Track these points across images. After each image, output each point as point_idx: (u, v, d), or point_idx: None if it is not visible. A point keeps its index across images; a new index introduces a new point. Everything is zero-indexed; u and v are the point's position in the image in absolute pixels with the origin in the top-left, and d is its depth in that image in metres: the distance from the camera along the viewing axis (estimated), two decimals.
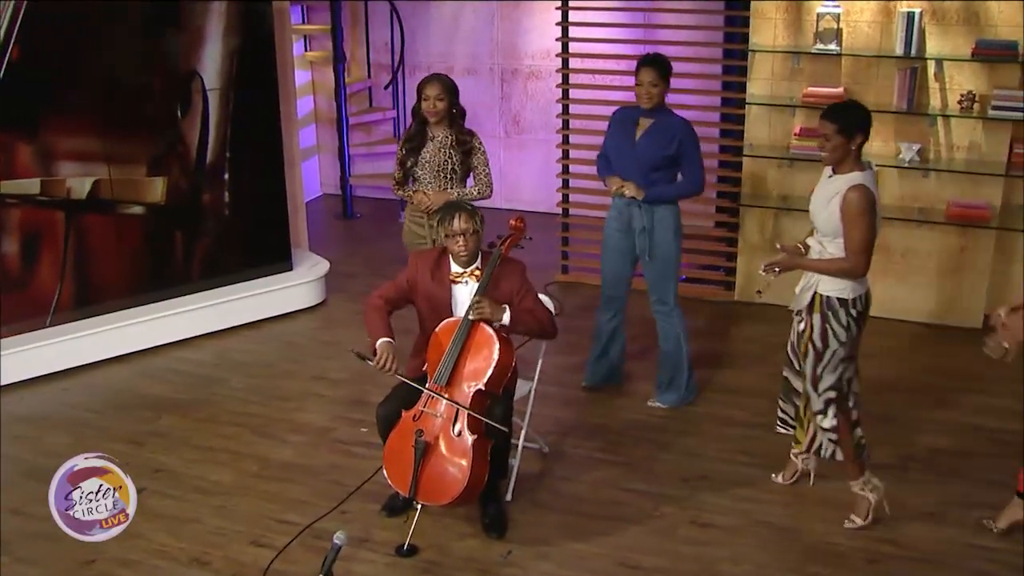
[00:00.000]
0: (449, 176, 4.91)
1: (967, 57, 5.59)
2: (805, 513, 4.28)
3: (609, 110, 6.76)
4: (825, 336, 3.98)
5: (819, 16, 5.77)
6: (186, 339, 6.00)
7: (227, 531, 4.23)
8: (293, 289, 6.38)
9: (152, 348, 5.90)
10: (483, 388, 4.04)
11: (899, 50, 5.66)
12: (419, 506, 4.03)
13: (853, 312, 3.97)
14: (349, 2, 8.19)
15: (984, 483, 4.44)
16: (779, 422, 4.46)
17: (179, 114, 5.85)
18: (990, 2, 5.53)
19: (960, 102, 5.66)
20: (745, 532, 4.17)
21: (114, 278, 5.83)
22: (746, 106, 6.10)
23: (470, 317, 4.02)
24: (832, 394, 4.05)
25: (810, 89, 5.90)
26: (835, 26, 5.76)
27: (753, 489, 4.45)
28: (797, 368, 4.21)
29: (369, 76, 8.45)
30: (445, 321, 4.14)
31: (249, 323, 6.23)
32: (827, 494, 4.38)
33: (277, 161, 6.28)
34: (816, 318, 3.99)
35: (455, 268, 4.19)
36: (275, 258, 6.39)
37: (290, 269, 6.44)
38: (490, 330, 4.07)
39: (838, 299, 3.95)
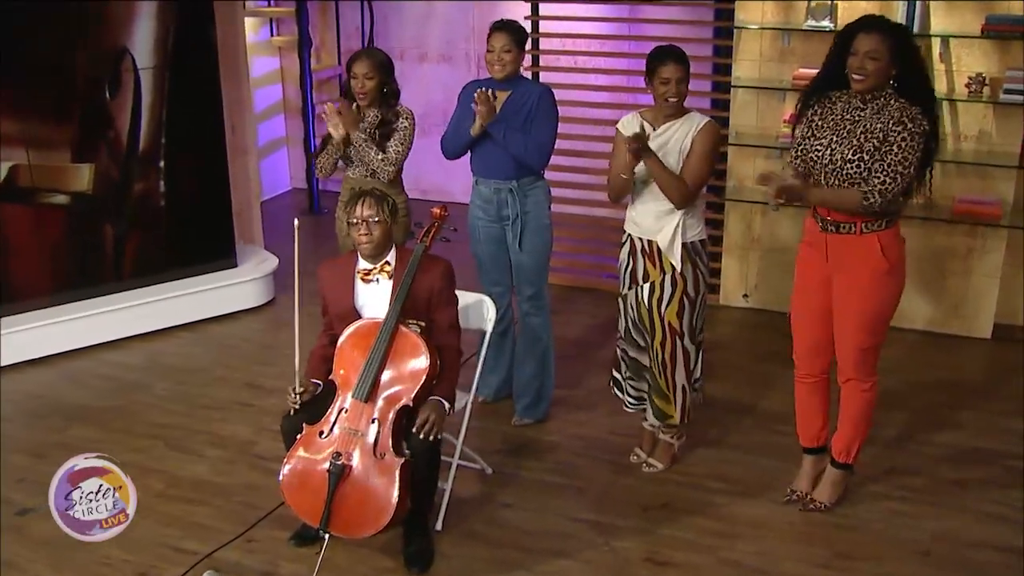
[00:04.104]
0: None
1: (976, 34, 5.02)
2: (777, 551, 3.71)
3: (590, 95, 6.30)
4: (697, 283, 3.99)
5: None
6: (116, 340, 5.52)
7: (114, 561, 3.71)
8: (236, 287, 5.87)
9: (77, 350, 5.41)
10: (410, 404, 3.51)
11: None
12: (327, 536, 3.49)
13: (706, 250, 4.05)
14: None
15: (983, 516, 3.90)
16: (633, 401, 4.25)
17: (108, 95, 5.34)
18: None
19: (968, 85, 5.09)
20: (707, 572, 3.60)
21: (35, 273, 5.33)
22: (731, 90, 5.54)
23: (418, 441, 3.45)
24: (702, 336, 4.09)
25: (801, 71, 5.32)
26: (829, 1, 5.20)
27: (721, 521, 3.89)
28: (642, 344, 4.08)
29: (339, 63, 7.93)
30: (359, 323, 3.60)
31: (187, 324, 5.74)
32: (802, 530, 3.83)
33: (219, 149, 5.77)
34: (688, 269, 3.95)
35: (363, 264, 3.66)
36: (217, 254, 5.88)
37: (234, 266, 5.93)
38: (416, 335, 3.54)
39: (700, 241, 3.98)
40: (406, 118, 4.38)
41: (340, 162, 4.48)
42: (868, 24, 3.48)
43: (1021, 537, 3.75)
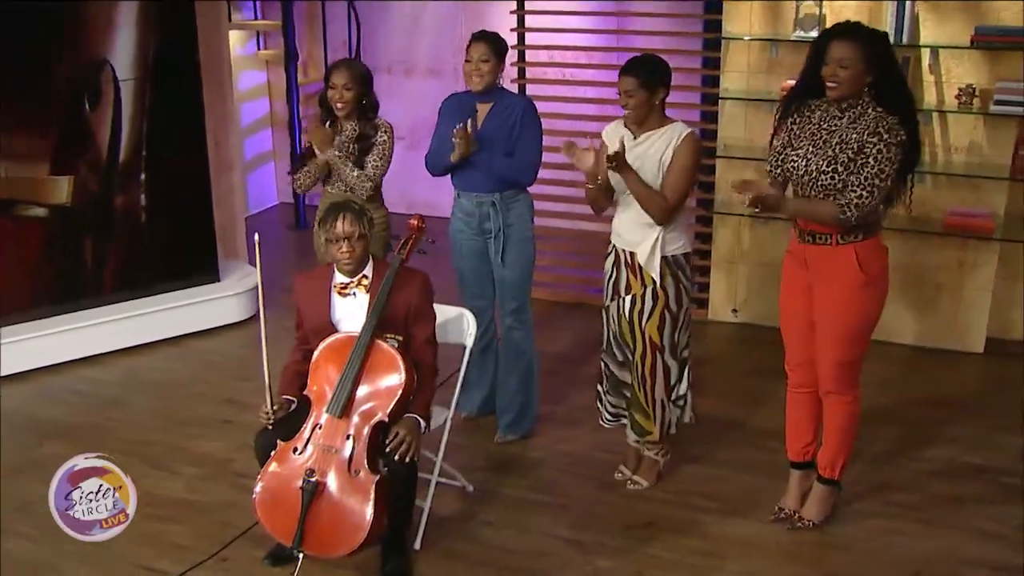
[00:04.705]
0: None
1: (966, 45, 4.95)
2: (764, 570, 3.61)
3: (579, 108, 6.23)
4: (679, 297, 3.88)
5: (799, 0, 5.14)
6: (95, 356, 5.42)
7: None
8: (219, 302, 5.77)
9: (55, 365, 5.31)
10: (386, 419, 3.42)
11: (890, 38, 5.01)
12: (300, 555, 3.39)
13: (690, 264, 3.97)
14: None
15: (977, 534, 3.80)
16: (610, 417, 4.18)
17: (87, 107, 5.27)
18: None
19: (958, 97, 5.01)
20: None
21: (11, 287, 5.23)
22: (719, 102, 5.48)
23: (394, 459, 3.36)
24: (686, 352, 3.99)
25: (789, 82, 5.22)
26: (817, 12, 5.14)
27: (707, 540, 3.79)
28: (622, 359, 4.01)
29: None
30: (334, 337, 3.52)
31: (169, 339, 5.64)
32: (790, 548, 3.74)
33: (202, 162, 5.69)
34: (669, 283, 3.85)
35: (340, 278, 3.57)
36: (199, 268, 5.79)
37: (217, 280, 5.84)
38: (392, 350, 3.45)
39: (683, 255, 3.88)
40: (385, 132, 4.29)
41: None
42: (841, 32, 3.39)
43: (1018, 556, 3.66)
